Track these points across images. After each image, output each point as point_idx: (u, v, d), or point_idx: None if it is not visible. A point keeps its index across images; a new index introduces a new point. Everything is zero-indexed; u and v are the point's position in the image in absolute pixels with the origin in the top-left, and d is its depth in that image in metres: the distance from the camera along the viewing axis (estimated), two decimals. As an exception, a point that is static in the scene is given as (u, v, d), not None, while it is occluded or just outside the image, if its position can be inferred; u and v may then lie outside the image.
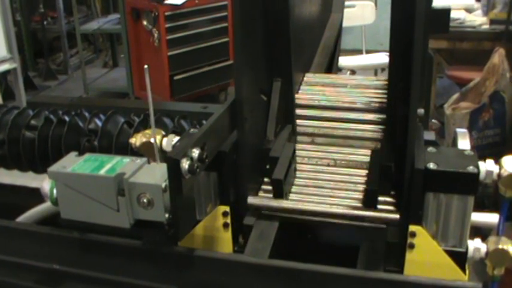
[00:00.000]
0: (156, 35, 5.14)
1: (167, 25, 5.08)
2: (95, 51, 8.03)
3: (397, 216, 1.20)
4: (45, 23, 7.04)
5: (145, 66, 1.12)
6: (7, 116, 1.81)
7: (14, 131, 1.77)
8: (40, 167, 1.78)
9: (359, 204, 1.28)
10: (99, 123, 1.71)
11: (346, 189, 1.35)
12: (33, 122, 1.79)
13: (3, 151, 1.79)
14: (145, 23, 5.25)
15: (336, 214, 1.24)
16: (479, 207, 1.28)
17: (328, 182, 1.38)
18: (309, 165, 1.44)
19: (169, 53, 5.14)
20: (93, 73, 6.91)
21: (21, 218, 1.50)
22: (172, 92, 5.22)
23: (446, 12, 1.40)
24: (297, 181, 1.39)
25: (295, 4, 1.51)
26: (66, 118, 1.75)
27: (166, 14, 5.06)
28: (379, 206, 1.25)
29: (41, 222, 1.48)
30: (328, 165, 1.44)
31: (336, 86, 1.62)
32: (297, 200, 1.32)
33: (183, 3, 5.11)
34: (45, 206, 1.48)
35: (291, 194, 1.34)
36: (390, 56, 1.43)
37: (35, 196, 1.39)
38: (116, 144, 1.65)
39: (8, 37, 4.47)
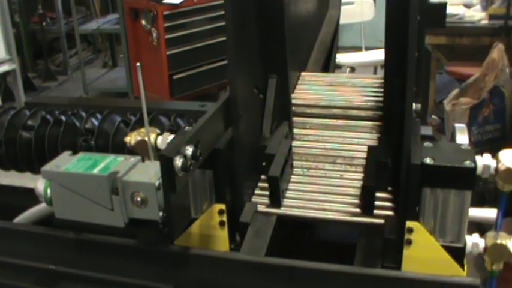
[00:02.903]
0: (154, 35, 5.13)
1: (166, 24, 5.08)
2: (94, 51, 8.03)
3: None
4: (44, 23, 7.03)
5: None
6: (4, 117, 1.81)
7: (11, 132, 1.76)
8: (37, 168, 1.77)
9: (356, 201, 1.28)
10: (96, 123, 1.70)
11: (344, 186, 1.34)
12: (29, 122, 1.78)
13: (0, 152, 1.78)
14: (144, 22, 5.24)
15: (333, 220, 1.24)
16: (480, 203, 1.28)
17: (325, 179, 1.37)
18: (306, 162, 1.44)
19: (168, 52, 5.13)
20: (92, 73, 6.90)
21: (18, 219, 1.50)
22: (171, 91, 5.21)
23: (442, 6, 1.39)
24: (293, 178, 1.38)
25: (290, 0, 1.50)
26: (63, 118, 1.74)
27: (165, 13, 5.06)
28: (377, 203, 1.25)
29: (38, 222, 1.47)
30: (326, 162, 1.43)
31: (332, 84, 1.62)
32: (294, 199, 1.31)
33: (182, 3, 5.10)
34: (41, 207, 1.47)
35: (287, 192, 1.33)
36: (386, 52, 1.42)
37: (32, 197, 1.38)
38: (112, 144, 1.64)
39: (7, 38, 4.48)
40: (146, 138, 1.22)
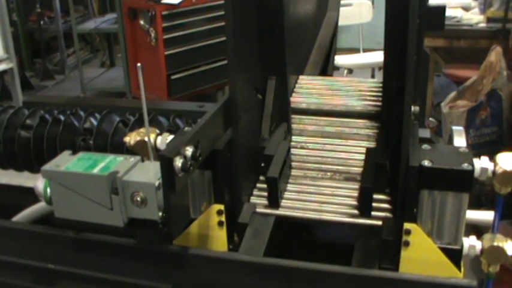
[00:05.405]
0: (153, 35, 5.13)
1: (164, 24, 5.09)
2: (92, 51, 8.04)
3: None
4: (42, 23, 7.03)
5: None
6: (2, 116, 1.81)
7: (9, 131, 1.77)
8: (36, 167, 1.77)
9: (354, 202, 1.28)
10: (95, 123, 1.70)
11: (342, 188, 1.34)
12: (28, 121, 1.78)
13: (-1, 151, 1.78)
14: (142, 22, 5.25)
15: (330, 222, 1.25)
16: (477, 206, 1.28)
17: (324, 182, 1.37)
18: (304, 163, 1.44)
19: (167, 53, 5.13)
20: (90, 73, 6.90)
21: (16, 218, 1.50)
22: (169, 92, 5.22)
23: (441, 9, 1.40)
24: (291, 180, 1.38)
25: (290, 2, 1.50)
26: (62, 117, 1.74)
27: (163, 13, 5.06)
28: (374, 204, 1.25)
29: (37, 221, 1.47)
30: (324, 164, 1.43)
31: (329, 86, 1.62)
32: (292, 199, 1.32)
33: (180, 3, 5.11)
34: (40, 205, 1.48)
35: (286, 193, 1.34)
36: (385, 54, 1.43)
37: (30, 196, 1.39)
38: (111, 143, 1.64)
39: (5, 37, 4.48)
40: (146, 139, 1.23)
